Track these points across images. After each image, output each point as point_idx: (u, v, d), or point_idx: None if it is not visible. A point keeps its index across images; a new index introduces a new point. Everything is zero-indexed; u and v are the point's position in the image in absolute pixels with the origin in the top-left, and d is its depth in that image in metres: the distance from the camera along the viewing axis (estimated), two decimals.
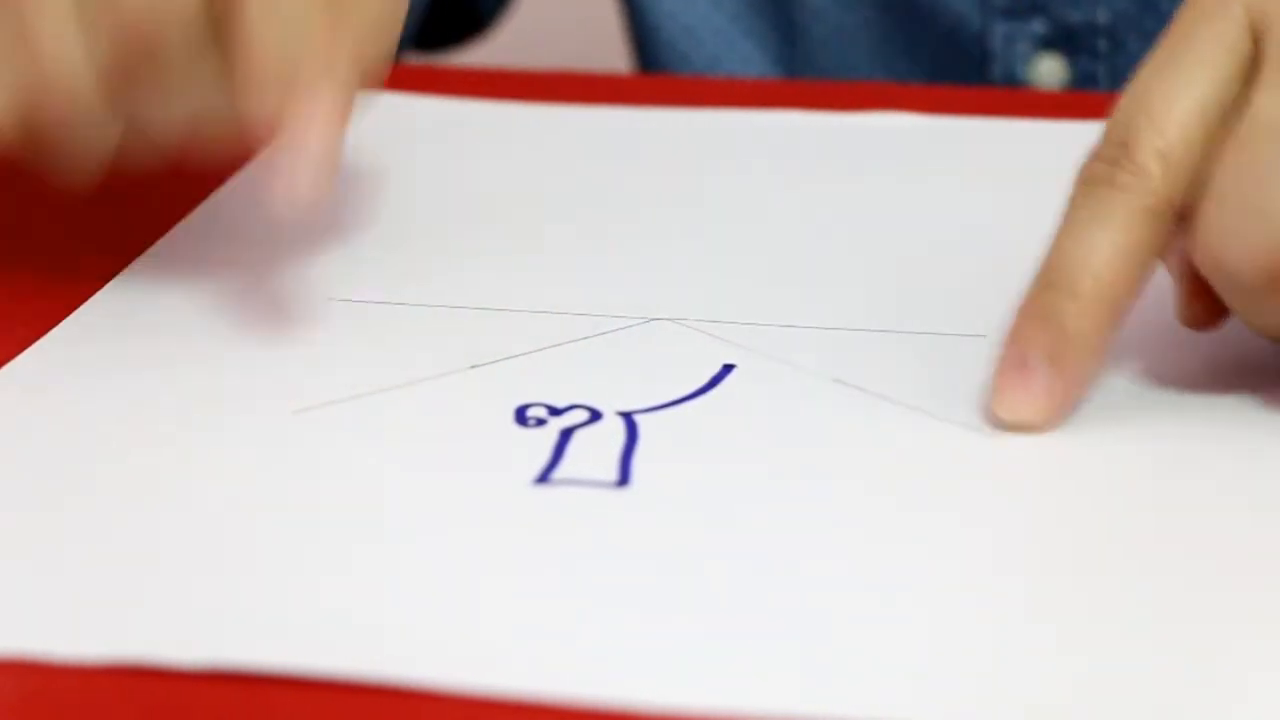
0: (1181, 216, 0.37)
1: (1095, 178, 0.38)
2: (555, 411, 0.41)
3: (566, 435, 0.39)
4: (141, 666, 0.31)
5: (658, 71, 0.73)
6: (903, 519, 0.36)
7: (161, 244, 0.50)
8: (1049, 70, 0.66)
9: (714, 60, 0.72)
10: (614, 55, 0.86)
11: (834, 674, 0.31)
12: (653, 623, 0.32)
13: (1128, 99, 0.38)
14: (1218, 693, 0.30)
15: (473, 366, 0.43)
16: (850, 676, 0.31)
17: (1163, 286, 0.47)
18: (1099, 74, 0.66)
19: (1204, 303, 0.39)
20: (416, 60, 0.74)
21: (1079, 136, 0.59)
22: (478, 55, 0.78)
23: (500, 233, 0.52)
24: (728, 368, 0.43)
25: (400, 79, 0.64)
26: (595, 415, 0.40)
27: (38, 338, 0.44)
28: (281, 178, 0.39)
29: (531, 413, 0.41)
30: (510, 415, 0.40)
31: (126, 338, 0.45)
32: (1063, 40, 0.66)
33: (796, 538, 0.35)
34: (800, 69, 0.71)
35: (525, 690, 0.30)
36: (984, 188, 0.56)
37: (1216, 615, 0.32)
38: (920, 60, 0.69)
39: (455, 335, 0.44)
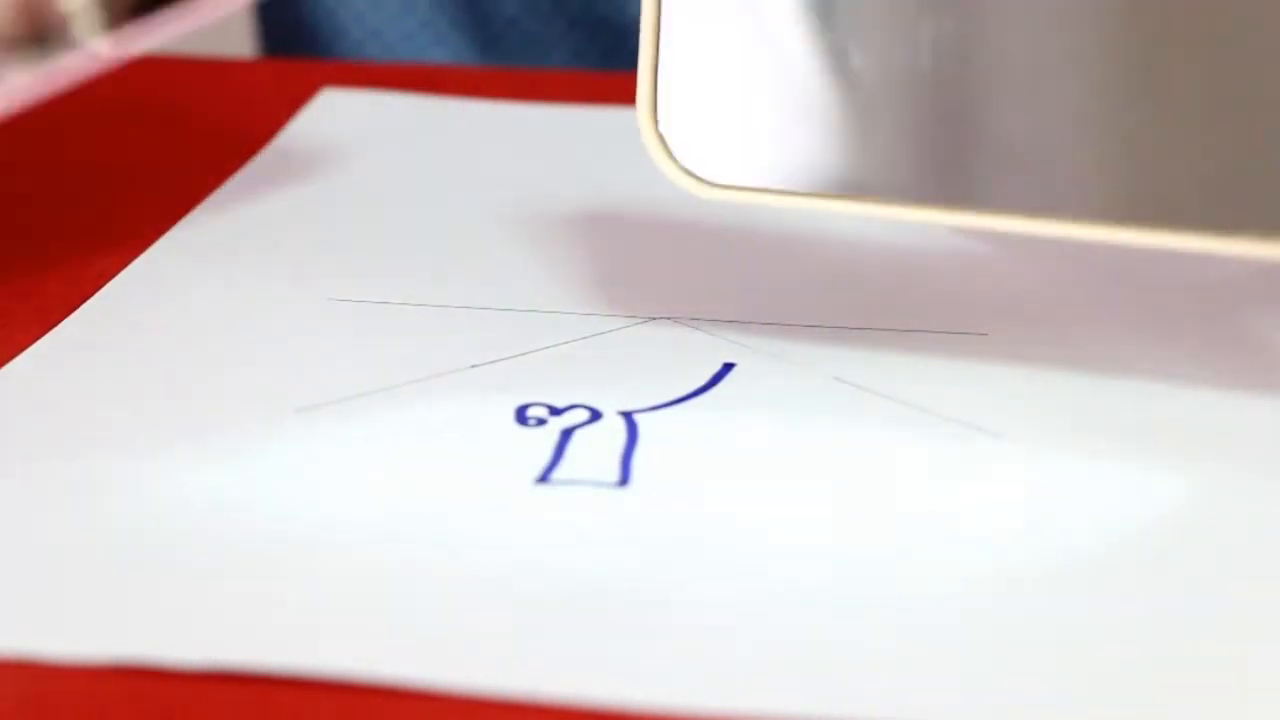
0: None
1: None
2: (555, 411, 0.41)
3: (567, 435, 0.39)
4: (141, 667, 0.31)
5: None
6: (904, 518, 0.36)
7: (161, 243, 0.50)
8: None
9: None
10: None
11: (834, 674, 0.31)
12: (653, 622, 0.32)
13: None
14: (1219, 696, 0.30)
15: (473, 366, 0.43)
16: (850, 676, 0.31)
17: (1179, 299, 0.47)
18: None
19: None
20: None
21: None
22: None
23: (499, 232, 0.52)
24: (728, 366, 0.43)
25: (401, 78, 0.64)
26: (595, 415, 0.40)
27: (38, 338, 0.44)
28: None
29: (532, 412, 0.41)
30: (510, 415, 0.40)
31: (127, 337, 0.45)
32: None
33: (797, 537, 0.35)
34: None
35: (525, 690, 0.30)
36: None
37: (1219, 620, 0.32)
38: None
39: (455, 335, 0.44)
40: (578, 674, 0.31)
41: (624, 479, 0.37)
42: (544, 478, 0.37)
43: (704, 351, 0.44)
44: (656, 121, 0.41)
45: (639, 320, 0.46)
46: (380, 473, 0.38)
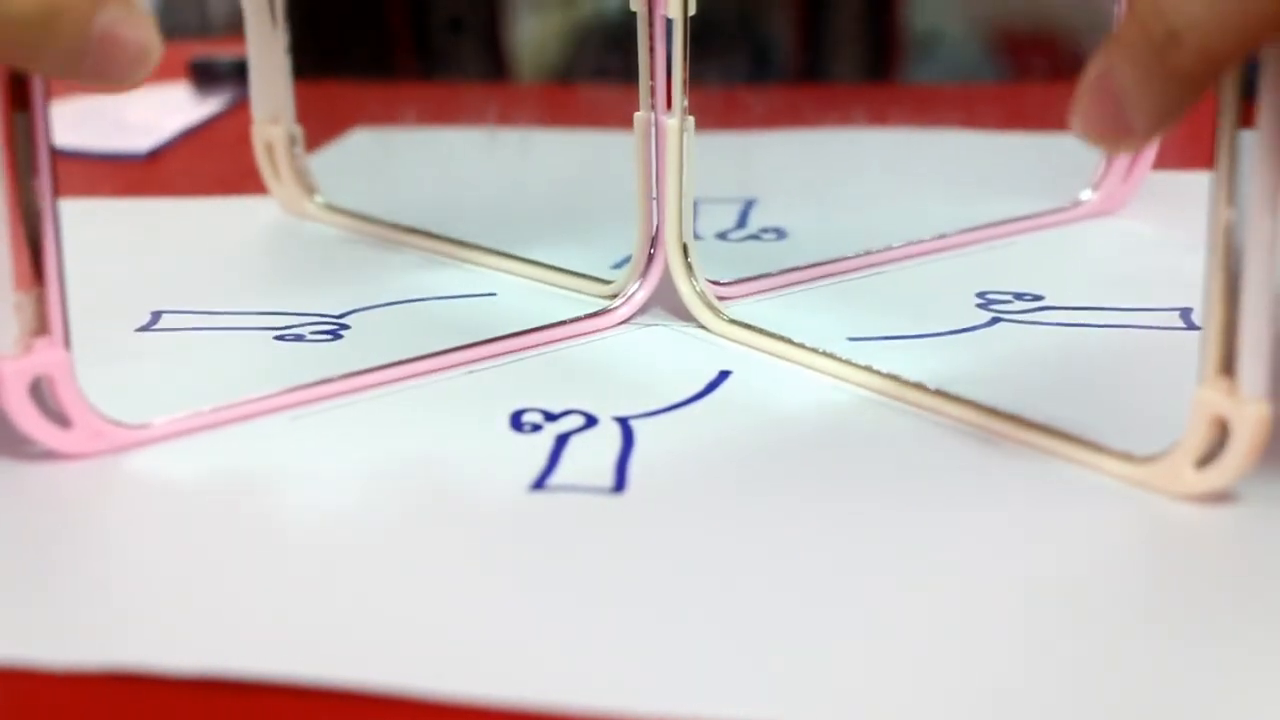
0: None
1: None
2: (551, 417, 0.40)
3: (562, 441, 0.39)
4: (134, 674, 0.31)
5: None
6: (900, 525, 0.36)
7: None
8: None
9: None
10: None
11: (827, 680, 0.30)
12: (648, 629, 0.32)
13: None
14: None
15: (469, 372, 0.43)
16: (845, 683, 0.30)
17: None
18: None
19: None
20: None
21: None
22: None
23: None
24: (724, 374, 0.43)
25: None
26: (591, 421, 0.40)
27: None
28: None
29: (527, 418, 0.40)
30: (506, 420, 0.40)
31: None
32: None
33: (792, 543, 0.35)
34: None
35: (520, 698, 0.30)
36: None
37: (1219, 637, 0.32)
38: None
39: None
40: (573, 680, 0.30)
41: (619, 485, 0.37)
42: (539, 484, 0.37)
43: (700, 357, 0.44)
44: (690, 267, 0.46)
45: (636, 325, 0.46)
46: (375, 477, 0.38)
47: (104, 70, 0.35)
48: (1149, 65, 0.33)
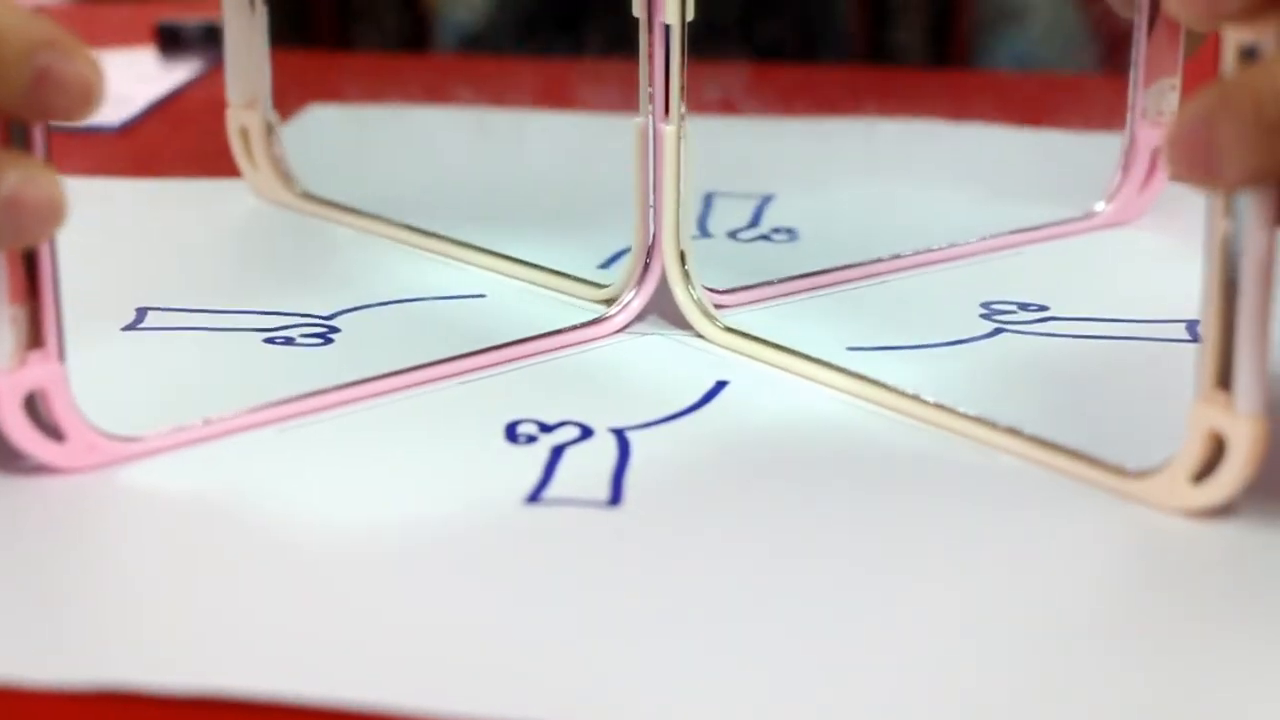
0: None
1: None
2: (546, 428, 0.40)
3: (558, 453, 0.39)
4: (127, 693, 0.31)
5: None
6: (895, 537, 0.36)
7: None
8: None
9: None
10: None
11: (825, 693, 0.30)
12: (644, 643, 0.32)
13: None
14: None
15: (462, 382, 0.43)
16: (842, 695, 0.30)
17: None
18: None
19: None
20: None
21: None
22: None
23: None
24: (721, 384, 0.43)
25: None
26: (586, 432, 0.40)
27: None
28: None
29: (522, 429, 0.40)
30: (501, 431, 0.40)
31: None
32: None
33: (789, 557, 0.35)
34: None
35: (516, 715, 0.30)
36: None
37: (1213, 652, 0.32)
38: None
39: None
40: (568, 697, 0.30)
41: (615, 498, 0.37)
42: (534, 497, 0.37)
43: (696, 368, 0.44)
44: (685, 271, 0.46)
45: (631, 335, 0.46)
46: (368, 490, 0.38)
47: (47, 106, 0.35)
48: (1255, 139, 0.33)
